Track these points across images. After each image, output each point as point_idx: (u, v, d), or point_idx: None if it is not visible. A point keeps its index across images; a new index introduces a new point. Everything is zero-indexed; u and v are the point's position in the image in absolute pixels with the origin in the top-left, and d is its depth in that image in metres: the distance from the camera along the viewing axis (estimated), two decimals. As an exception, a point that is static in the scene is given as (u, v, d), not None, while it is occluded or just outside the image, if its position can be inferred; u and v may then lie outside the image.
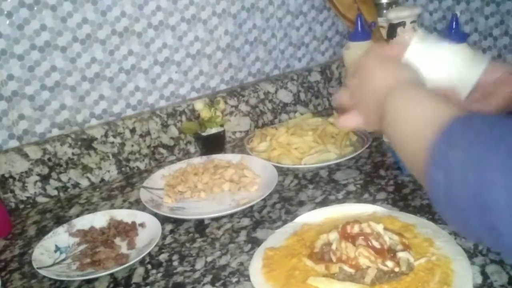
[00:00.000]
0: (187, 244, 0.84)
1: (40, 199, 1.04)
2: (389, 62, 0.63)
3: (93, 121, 1.11)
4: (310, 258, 0.73)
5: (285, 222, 0.87)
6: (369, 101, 0.61)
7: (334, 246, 0.72)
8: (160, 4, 1.13)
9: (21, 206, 1.02)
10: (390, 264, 0.68)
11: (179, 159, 1.16)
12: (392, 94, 0.57)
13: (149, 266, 0.80)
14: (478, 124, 0.45)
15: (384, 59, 0.64)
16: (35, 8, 0.99)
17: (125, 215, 0.92)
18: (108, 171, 1.11)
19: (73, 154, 1.06)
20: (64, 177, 1.06)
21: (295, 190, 0.99)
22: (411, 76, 0.60)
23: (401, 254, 0.70)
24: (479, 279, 0.68)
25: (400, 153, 0.56)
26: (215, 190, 1.00)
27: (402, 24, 1.23)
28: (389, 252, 0.70)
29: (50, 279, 0.78)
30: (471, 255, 0.72)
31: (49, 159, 1.03)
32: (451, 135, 0.45)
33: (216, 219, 0.91)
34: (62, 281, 0.78)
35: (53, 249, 0.84)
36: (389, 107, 0.56)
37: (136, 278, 0.77)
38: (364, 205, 0.87)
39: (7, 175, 1.00)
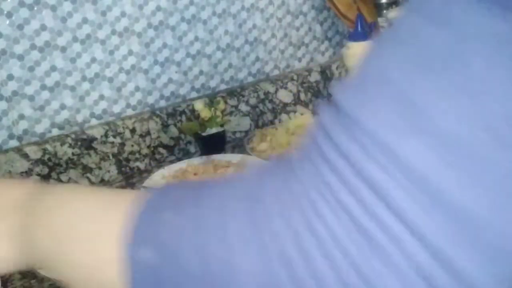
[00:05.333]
0: (187, 244, 0.84)
1: (40, 199, 1.04)
2: None
3: (93, 121, 1.10)
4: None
5: (285, 222, 0.87)
6: None
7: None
8: (160, 4, 1.13)
9: (21, 206, 1.02)
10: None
11: (179, 159, 1.16)
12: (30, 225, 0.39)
13: (149, 266, 0.79)
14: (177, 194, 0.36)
15: None
16: (35, 8, 0.99)
17: (125, 215, 0.91)
18: (108, 171, 1.11)
19: (73, 154, 1.06)
20: (64, 177, 1.06)
21: (295, 190, 0.98)
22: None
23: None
24: (479, 279, 0.68)
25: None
26: (215, 190, 0.99)
27: (402, 24, 1.23)
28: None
29: (50, 279, 0.78)
30: (471, 255, 0.72)
31: (49, 159, 1.03)
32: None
33: (216, 219, 0.91)
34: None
35: (53, 249, 0.84)
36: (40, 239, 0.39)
37: (136, 278, 0.77)
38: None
39: (7, 175, 1.00)
